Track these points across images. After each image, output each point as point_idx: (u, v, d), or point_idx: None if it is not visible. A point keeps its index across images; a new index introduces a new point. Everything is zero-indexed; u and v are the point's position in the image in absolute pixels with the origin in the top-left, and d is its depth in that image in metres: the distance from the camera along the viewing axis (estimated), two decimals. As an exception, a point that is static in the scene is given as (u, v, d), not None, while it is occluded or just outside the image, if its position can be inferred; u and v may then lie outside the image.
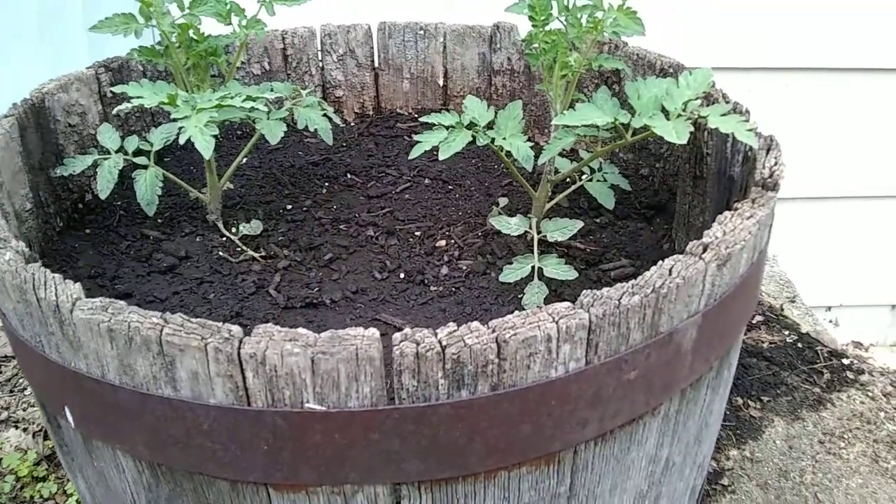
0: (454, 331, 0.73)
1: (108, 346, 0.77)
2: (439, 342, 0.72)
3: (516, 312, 0.75)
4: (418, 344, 0.72)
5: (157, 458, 0.82)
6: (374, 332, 0.73)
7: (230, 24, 1.24)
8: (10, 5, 1.90)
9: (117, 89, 1.12)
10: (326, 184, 1.47)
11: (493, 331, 0.73)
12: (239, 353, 0.73)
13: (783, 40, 2.09)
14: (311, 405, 0.74)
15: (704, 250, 0.83)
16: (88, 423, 0.86)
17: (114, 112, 1.07)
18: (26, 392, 1.79)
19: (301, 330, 0.73)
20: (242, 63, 1.59)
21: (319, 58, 1.65)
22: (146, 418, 0.79)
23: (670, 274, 0.80)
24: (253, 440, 0.76)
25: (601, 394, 0.79)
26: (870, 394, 1.67)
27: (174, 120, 1.07)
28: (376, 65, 1.69)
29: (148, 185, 1.23)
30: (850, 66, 2.13)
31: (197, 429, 0.77)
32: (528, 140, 1.17)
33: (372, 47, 1.67)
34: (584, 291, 0.77)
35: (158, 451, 0.81)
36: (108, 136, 1.27)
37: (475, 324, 0.74)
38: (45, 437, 1.66)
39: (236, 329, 0.74)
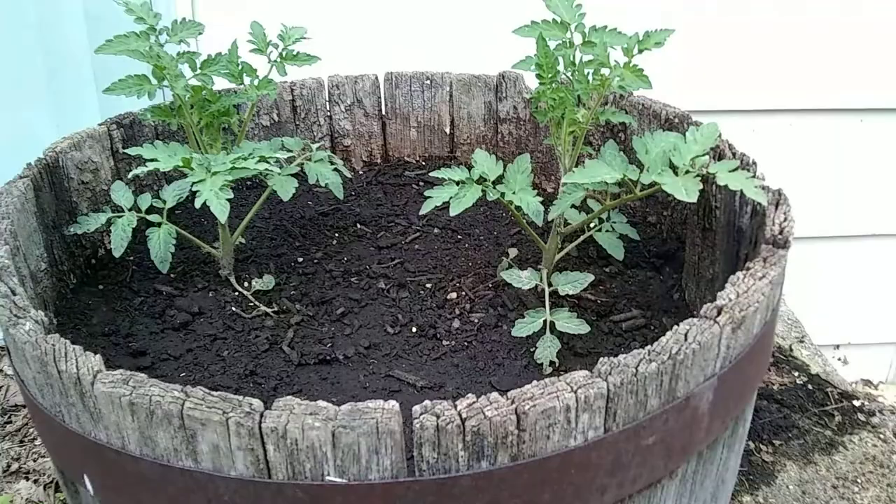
0: (473, 402, 0.74)
1: (129, 418, 0.78)
2: (459, 414, 0.73)
3: (534, 382, 0.76)
4: (438, 417, 0.72)
5: (177, 529, 0.82)
6: (393, 404, 0.73)
7: (242, 83, 1.25)
8: (18, 63, 1.93)
9: (132, 151, 1.14)
10: (336, 234, 1.48)
11: (513, 402, 0.74)
12: (260, 427, 0.73)
13: (787, 82, 2.11)
14: (331, 478, 0.74)
15: (719, 313, 0.84)
16: (108, 492, 0.86)
17: (129, 176, 1.09)
18: (36, 442, 1.79)
19: (321, 403, 0.74)
20: (252, 115, 1.61)
21: (328, 108, 1.68)
22: (167, 489, 0.80)
23: (686, 339, 0.80)
24: (274, 512, 0.76)
25: (620, 460, 0.79)
26: (881, 436, 1.66)
27: (185, 176, 1.09)
28: (384, 114, 1.71)
29: (161, 242, 1.24)
30: (853, 107, 2.16)
31: (217, 500, 0.77)
32: (535, 188, 1.18)
33: (379, 97, 1.69)
34: (602, 359, 0.78)
35: (178, 522, 0.81)
36: (121, 193, 1.29)
37: (494, 395, 0.75)
38: (56, 490, 1.65)
39: (257, 403, 0.74)
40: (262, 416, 0.73)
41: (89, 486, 0.88)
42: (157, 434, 0.77)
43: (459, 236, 1.48)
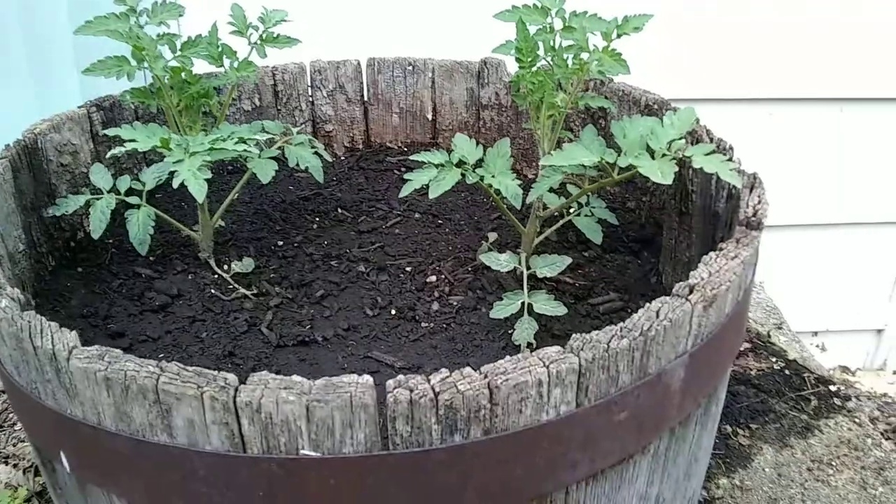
0: (447, 377, 0.75)
1: (104, 394, 0.78)
2: (432, 388, 0.74)
3: (507, 357, 0.77)
4: (412, 391, 0.73)
5: (153, 504, 0.82)
6: (367, 378, 0.74)
7: (222, 66, 1.25)
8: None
9: (111, 132, 1.14)
10: (317, 219, 1.49)
11: (486, 376, 0.75)
12: (235, 402, 0.74)
13: (766, 72, 2.13)
14: (306, 452, 0.75)
15: (691, 292, 0.85)
16: (84, 469, 0.86)
17: (108, 156, 1.08)
18: (16, 427, 1.79)
19: (296, 378, 0.75)
20: (234, 99, 1.61)
21: (310, 93, 1.67)
22: (143, 465, 0.80)
23: (657, 316, 0.81)
24: (249, 486, 0.77)
25: (592, 435, 0.80)
26: (857, 420, 1.69)
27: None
28: (366, 99, 1.71)
29: (140, 224, 1.24)
30: (833, 96, 2.18)
31: (193, 475, 0.78)
32: (516, 173, 1.19)
33: (361, 82, 1.70)
34: (574, 336, 0.79)
35: (155, 497, 0.81)
36: (100, 176, 1.28)
37: (467, 370, 0.76)
38: (36, 474, 1.65)
39: (232, 377, 0.75)
40: (236, 390, 0.74)
41: (66, 464, 0.88)
42: (133, 409, 0.77)
43: (440, 221, 1.49)
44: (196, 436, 0.76)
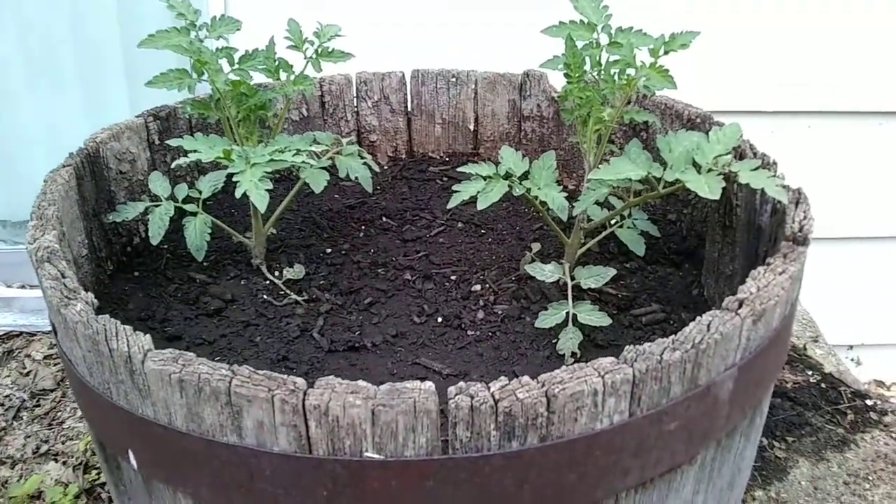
0: (506, 385, 0.78)
1: (177, 395, 0.82)
2: (492, 396, 0.77)
3: (563, 367, 0.80)
4: (473, 398, 0.76)
5: (219, 502, 0.86)
6: (430, 385, 0.77)
7: (278, 79, 1.30)
8: (52, 50, 1.98)
9: (173, 142, 1.19)
10: (363, 227, 1.52)
11: (543, 385, 0.78)
12: (304, 405, 0.77)
13: (806, 85, 2.14)
14: (369, 454, 0.78)
15: (740, 306, 0.88)
16: (152, 466, 0.91)
17: (173, 166, 1.13)
18: (64, 426, 1.84)
19: (361, 382, 0.78)
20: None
21: (355, 104, 1.72)
22: (211, 463, 0.84)
23: (708, 329, 0.84)
24: (313, 486, 0.80)
25: (643, 444, 0.83)
26: (893, 435, 1.69)
27: (220, 167, 1.13)
28: (409, 110, 1.75)
29: (198, 231, 1.28)
30: (876, 110, 2.18)
31: (260, 475, 0.82)
32: (558, 184, 1.22)
33: (405, 94, 1.73)
34: (628, 347, 0.82)
35: (221, 495, 0.85)
36: (159, 183, 1.33)
37: (525, 378, 0.79)
38: (85, 471, 1.70)
39: (301, 381, 0.78)
40: (305, 393, 0.77)
41: (133, 462, 0.92)
42: (205, 410, 0.81)
43: (483, 230, 1.52)
44: (264, 437, 0.80)
